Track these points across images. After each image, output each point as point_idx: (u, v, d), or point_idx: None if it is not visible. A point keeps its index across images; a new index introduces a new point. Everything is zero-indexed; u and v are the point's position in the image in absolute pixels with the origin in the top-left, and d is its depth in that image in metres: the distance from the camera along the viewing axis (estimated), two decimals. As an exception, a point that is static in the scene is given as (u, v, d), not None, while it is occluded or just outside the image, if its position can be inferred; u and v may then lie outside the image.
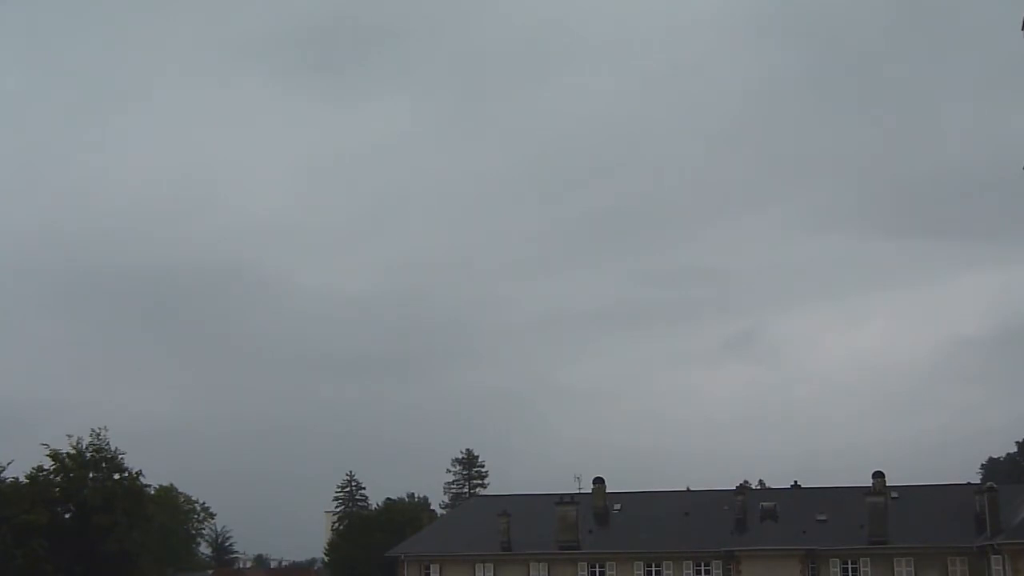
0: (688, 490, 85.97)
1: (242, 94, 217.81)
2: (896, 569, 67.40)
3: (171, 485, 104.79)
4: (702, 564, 70.66)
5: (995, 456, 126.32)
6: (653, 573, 71.39)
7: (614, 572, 72.24)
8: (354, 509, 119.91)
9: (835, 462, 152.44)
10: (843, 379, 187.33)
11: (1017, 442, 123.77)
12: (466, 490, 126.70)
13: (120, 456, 68.90)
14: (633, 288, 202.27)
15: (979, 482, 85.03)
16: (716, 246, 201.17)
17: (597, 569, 72.64)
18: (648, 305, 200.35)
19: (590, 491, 78.74)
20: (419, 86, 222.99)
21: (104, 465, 68.17)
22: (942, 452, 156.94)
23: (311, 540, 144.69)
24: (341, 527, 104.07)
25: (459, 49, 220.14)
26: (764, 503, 74.45)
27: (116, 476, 68.38)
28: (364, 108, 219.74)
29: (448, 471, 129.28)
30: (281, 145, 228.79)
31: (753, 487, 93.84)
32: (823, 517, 71.27)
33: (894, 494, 72.52)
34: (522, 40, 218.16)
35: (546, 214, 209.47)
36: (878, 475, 73.62)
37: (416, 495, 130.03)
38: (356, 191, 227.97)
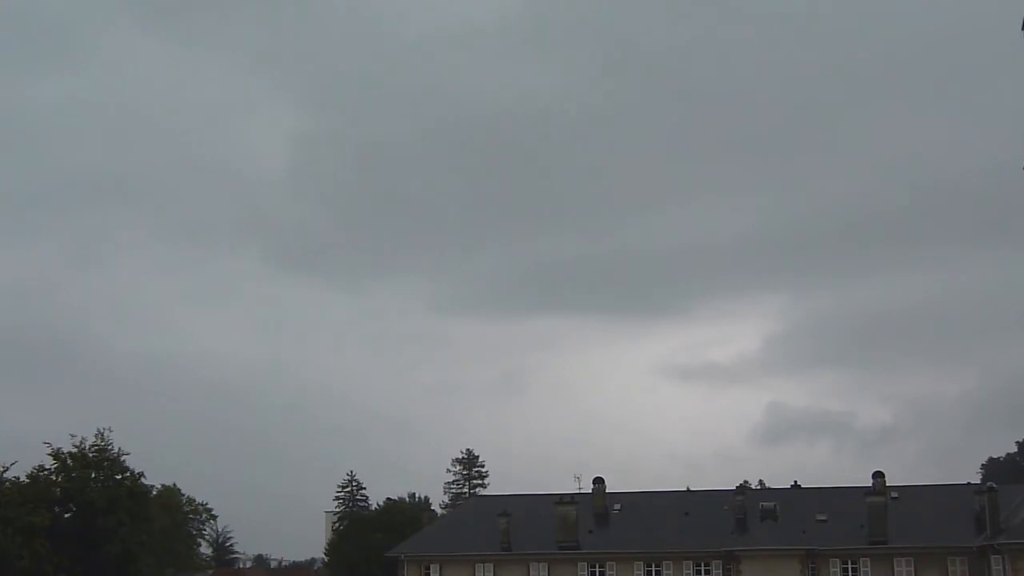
0: (688, 490, 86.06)
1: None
2: (896, 569, 67.45)
3: (174, 485, 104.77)
4: (702, 564, 70.71)
5: (995, 456, 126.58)
6: (653, 573, 71.43)
7: (614, 572, 72.27)
8: (354, 509, 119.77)
9: (835, 462, 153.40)
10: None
11: (1017, 442, 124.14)
12: (466, 490, 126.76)
13: (123, 456, 69.00)
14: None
15: (979, 482, 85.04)
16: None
17: (597, 569, 72.67)
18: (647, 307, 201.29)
19: (590, 491, 78.76)
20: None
21: (106, 465, 68.13)
22: (942, 452, 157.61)
23: (311, 540, 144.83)
24: (341, 527, 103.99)
25: None
26: (764, 503, 74.33)
27: (118, 477, 68.32)
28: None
29: (448, 471, 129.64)
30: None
31: (753, 487, 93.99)
32: (823, 517, 71.27)
33: (894, 494, 72.53)
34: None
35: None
36: (878, 475, 73.64)
37: (416, 495, 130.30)
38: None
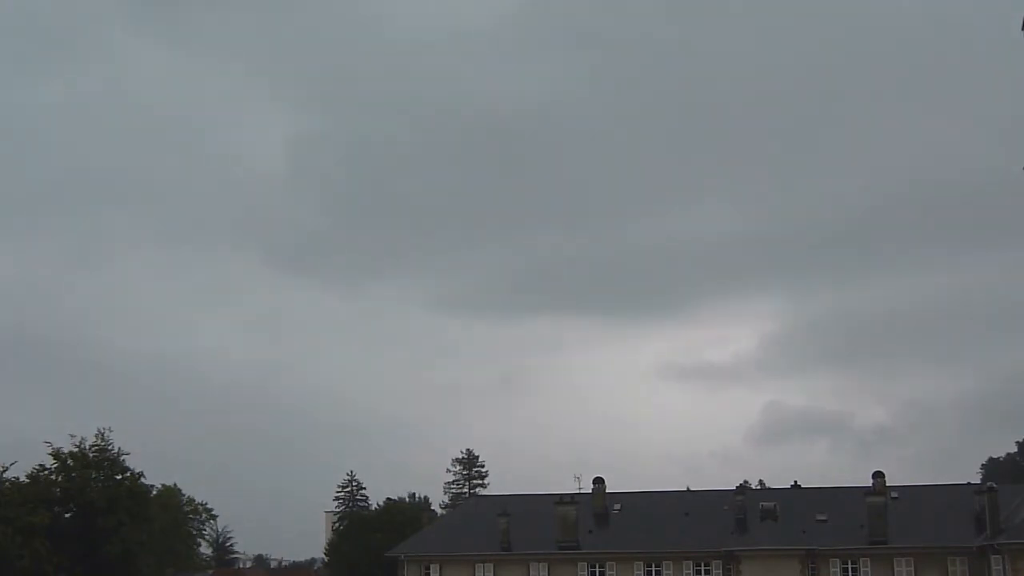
0: (688, 490, 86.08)
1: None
2: (896, 569, 67.44)
3: (174, 485, 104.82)
4: (702, 564, 70.72)
5: (995, 456, 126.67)
6: (653, 573, 71.43)
7: (614, 572, 72.28)
8: (354, 509, 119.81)
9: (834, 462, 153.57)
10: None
11: (1017, 442, 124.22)
12: (466, 490, 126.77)
13: (123, 456, 68.96)
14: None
15: (979, 482, 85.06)
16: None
17: (597, 569, 72.68)
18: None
19: (590, 491, 78.79)
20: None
21: (106, 465, 68.09)
22: (942, 452, 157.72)
23: (311, 540, 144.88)
24: (341, 527, 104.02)
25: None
26: (764, 503, 74.33)
27: (118, 477, 68.28)
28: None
29: (448, 471, 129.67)
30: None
31: (753, 487, 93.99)
32: (823, 517, 71.27)
33: (894, 494, 72.55)
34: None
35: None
36: (878, 475, 73.67)
37: (416, 495, 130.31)
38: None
